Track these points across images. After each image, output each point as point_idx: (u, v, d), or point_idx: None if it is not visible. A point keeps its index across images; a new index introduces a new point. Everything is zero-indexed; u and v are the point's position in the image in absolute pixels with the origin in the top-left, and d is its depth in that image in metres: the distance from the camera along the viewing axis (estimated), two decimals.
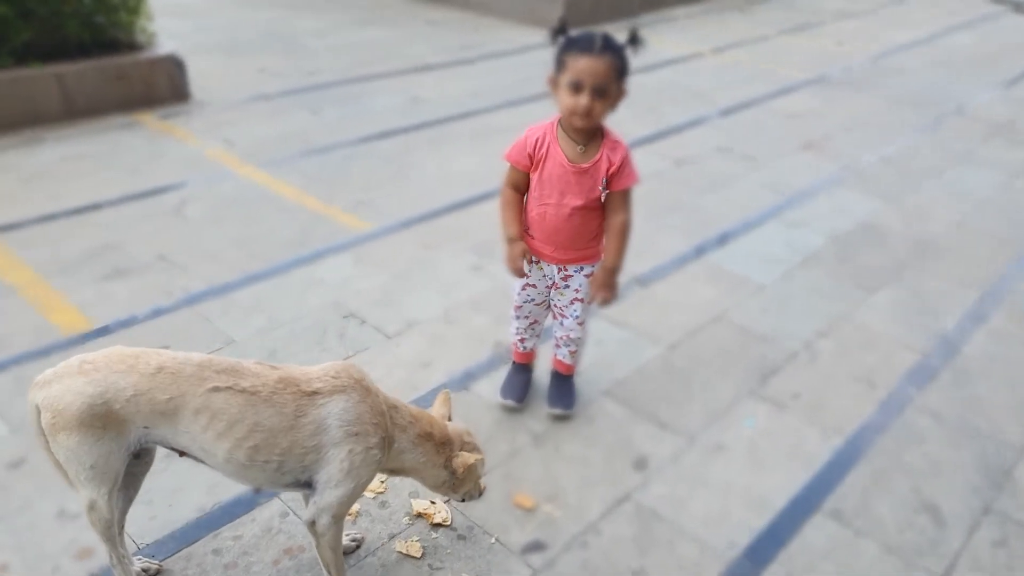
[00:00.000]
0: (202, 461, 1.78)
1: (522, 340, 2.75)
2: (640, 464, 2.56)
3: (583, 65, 2.19)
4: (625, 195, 2.39)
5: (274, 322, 3.19)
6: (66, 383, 1.66)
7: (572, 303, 2.58)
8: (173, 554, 2.11)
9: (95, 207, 4.07)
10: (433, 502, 2.32)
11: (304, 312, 3.27)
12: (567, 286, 2.55)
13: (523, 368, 2.83)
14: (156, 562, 2.05)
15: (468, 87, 6.47)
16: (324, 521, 1.78)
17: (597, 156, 2.34)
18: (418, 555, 2.15)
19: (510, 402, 2.75)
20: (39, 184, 4.31)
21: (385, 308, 3.33)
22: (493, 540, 2.22)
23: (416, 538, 2.21)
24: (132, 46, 5.44)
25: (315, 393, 1.76)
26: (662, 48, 7.79)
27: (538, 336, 2.77)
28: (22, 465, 2.42)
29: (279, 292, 3.41)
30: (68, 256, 3.60)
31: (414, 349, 3.07)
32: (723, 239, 4.10)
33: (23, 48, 4.95)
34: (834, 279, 3.76)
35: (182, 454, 1.78)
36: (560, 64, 2.24)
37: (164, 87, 5.46)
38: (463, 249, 3.85)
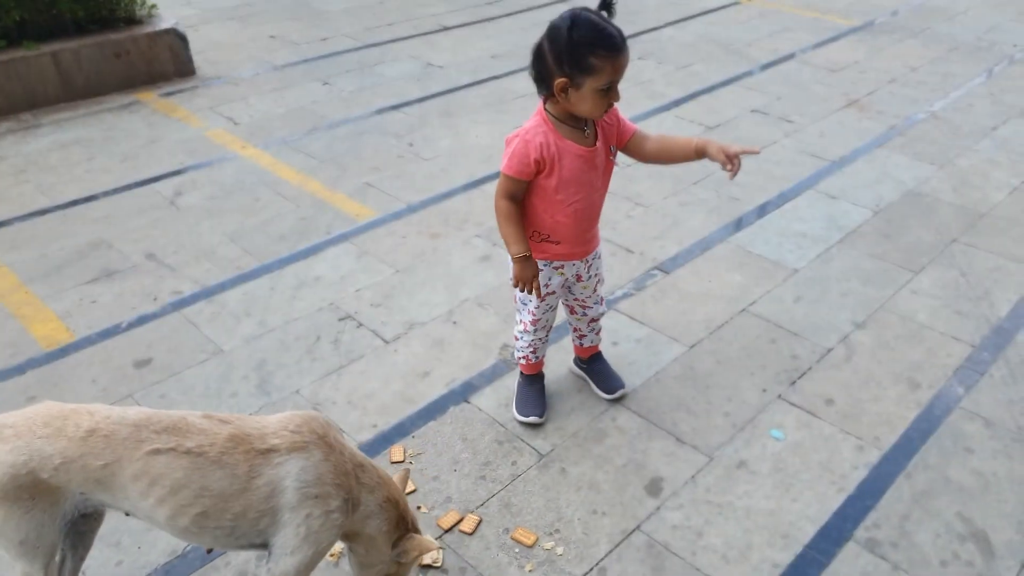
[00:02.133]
0: (150, 524, 1.61)
1: (535, 351, 2.53)
2: (654, 488, 2.34)
3: (619, 64, 1.94)
4: (639, 132, 2.24)
5: (265, 327, 3.01)
6: None
7: (596, 288, 2.48)
8: None
9: (88, 199, 3.91)
10: None
11: (297, 315, 3.08)
12: (590, 275, 2.41)
13: (537, 378, 2.62)
14: None
15: (487, 48, 6.13)
16: None
17: (597, 129, 2.17)
18: None
19: (534, 419, 2.53)
20: (31, 175, 4.17)
21: (384, 309, 3.13)
22: None
23: None
24: (131, 21, 5.23)
25: (271, 451, 1.57)
26: None
27: (547, 341, 2.56)
28: None
29: (272, 292, 3.22)
30: (54, 258, 3.46)
31: (413, 356, 2.86)
32: (754, 215, 3.79)
33: (17, 28, 4.76)
34: (876, 259, 3.44)
35: (128, 514, 1.62)
36: (583, 67, 1.92)
37: (166, 63, 5.25)
38: (472, 235, 3.61)
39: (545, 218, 2.20)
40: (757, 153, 2.16)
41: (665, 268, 3.39)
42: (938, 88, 5.29)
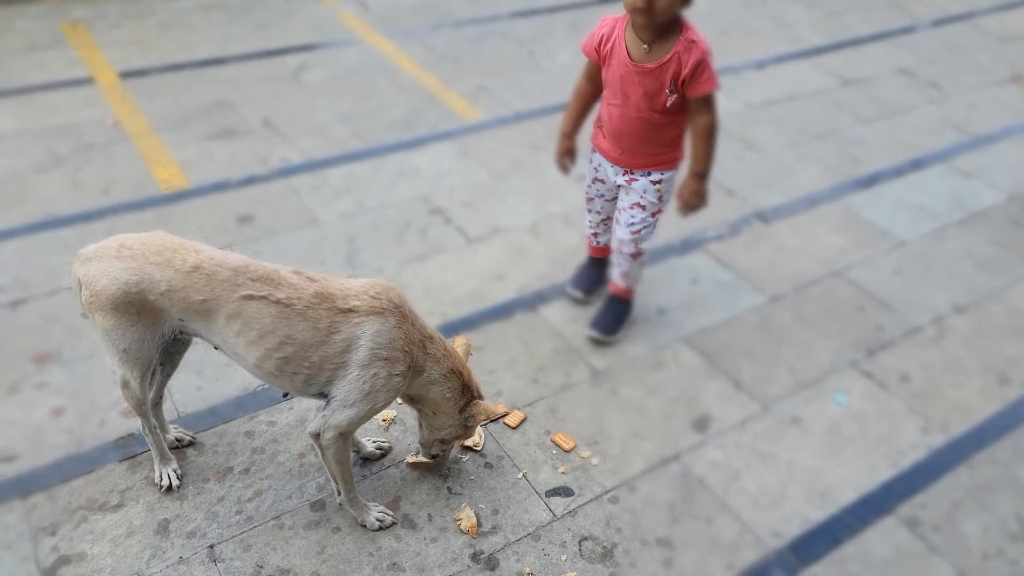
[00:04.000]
0: (233, 360, 1.77)
1: (595, 235, 2.66)
2: (701, 424, 2.35)
3: None
4: (706, 100, 2.16)
5: (361, 207, 3.14)
6: (103, 265, 1.68)
7: (632, 207, 2.40)
8: (208, 428, 2.18)
9: (219, 61, 4.13)
10: None
11: (392, 201, 3.20)
12: (631, 188, 2.39)
13: (596, 262, 2.74)
14: (190, 434, 2.13)
15: None
16: (329, 436, 1.75)
17: (666, 56, 2.09)
18: (442, 476, 2.11)
19: (576, 293, 2.70)
20: (173, 32, 4.42)
21: (474, 209, 3.20)
22: (520, 475, 2.14)
23: None
24: None
25: (351, 311, 1.70)
26: None
27: (604, 231, 2.65)
28: None
29: (373, 176, 3.34)
30: (182, 111, 3.70)
31: (492, 258, 2.93)
32: (872, 180, 3.59)
33: None
34: (997, 246, 3.20)
35: (216, 347, 1.79)
36: None
37: None
38: None
39: (601, 107, 2.34)
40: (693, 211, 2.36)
41: (765, 217, 3.29)
42: None
